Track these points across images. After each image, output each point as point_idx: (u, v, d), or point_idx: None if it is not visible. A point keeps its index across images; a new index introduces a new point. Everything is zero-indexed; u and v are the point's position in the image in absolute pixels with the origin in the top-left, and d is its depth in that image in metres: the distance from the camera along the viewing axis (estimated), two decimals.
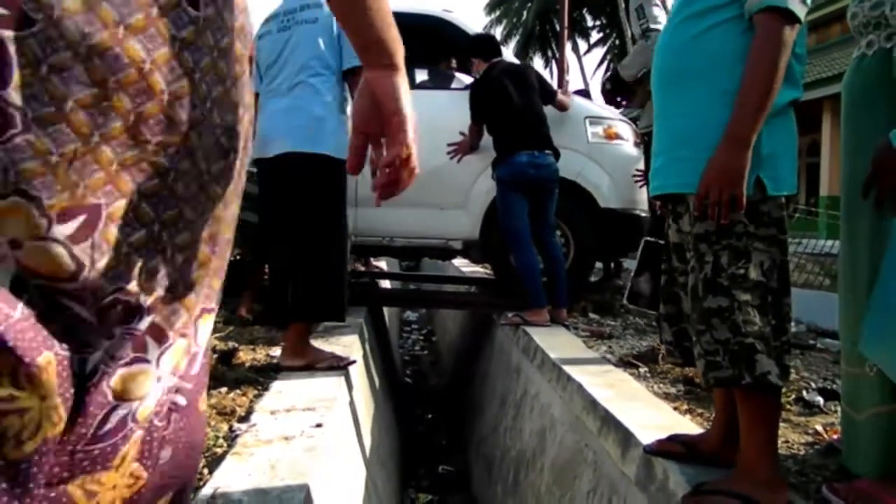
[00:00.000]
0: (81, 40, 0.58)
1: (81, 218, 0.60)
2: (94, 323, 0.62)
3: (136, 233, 0.64)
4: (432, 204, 4.29)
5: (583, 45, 29.75)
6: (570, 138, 4.23)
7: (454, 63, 5.23)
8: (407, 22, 4.66)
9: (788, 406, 2.35)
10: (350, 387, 2.66)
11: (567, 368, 2.75)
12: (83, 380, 0.61)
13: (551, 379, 2.91)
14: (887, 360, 1.44)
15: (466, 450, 4.35)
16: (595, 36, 29.63)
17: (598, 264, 5.36)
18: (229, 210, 0.76)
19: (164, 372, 0.69)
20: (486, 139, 4.12)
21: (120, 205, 0.62)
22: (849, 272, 1.64)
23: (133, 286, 0.64)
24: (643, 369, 2.86)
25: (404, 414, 4.79)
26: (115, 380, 0.63)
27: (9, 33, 0.55)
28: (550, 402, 2.85)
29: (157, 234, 0.66)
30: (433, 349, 7.63)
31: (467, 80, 4.69)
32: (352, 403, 2.61)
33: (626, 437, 1.96)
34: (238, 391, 2.31)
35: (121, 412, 0.64)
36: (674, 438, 1.77)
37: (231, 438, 1.86)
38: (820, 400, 2.37)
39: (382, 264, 7.39)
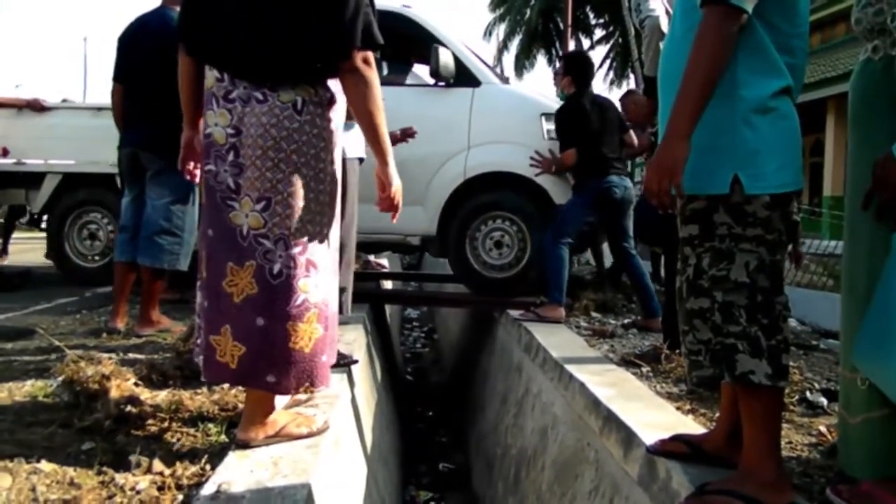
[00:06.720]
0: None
1: (263, 202, 1.70)
2: (273, 249, 1.71)
3: (286, 210, 1.71)
4: None
5: (586, 43, 29.65)
6: (525, 135, 4.21)
7: (413, 61, 5.22)
8: None
9: (792, 407, 2.34)
10: (352, 384, 2.65)
11: (569, 367, 2.75)
12: (274, 276, 1.71)
13: (553, 378, 2.90)
14: (880, 375, 1.45)
15: (467, 448, 4.35)
16: (598, 33, 29.54)
17: (592, 262, 5.38)
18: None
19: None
20: (439, 141, 4.21)
21: (279, 199, 1.71)
22: (849, 276, 1.63)
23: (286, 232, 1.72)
24: (645, 368, 2.85)
25: (405, 411, 4.79)
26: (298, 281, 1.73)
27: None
28: (552, 400, 2.85)
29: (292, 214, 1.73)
30: (434, 347, 7.63)
31: (425, 74, 4.62)
32: (353, 400, 2.61)
33: (628, 437, 1.95)
34: (240, 387, 2.30)
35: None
36: (677, 438, 1.77)
37: (233, 434, 1.86)
38: (823, 401, 2.36)
39: (384, 261, 7.40)
